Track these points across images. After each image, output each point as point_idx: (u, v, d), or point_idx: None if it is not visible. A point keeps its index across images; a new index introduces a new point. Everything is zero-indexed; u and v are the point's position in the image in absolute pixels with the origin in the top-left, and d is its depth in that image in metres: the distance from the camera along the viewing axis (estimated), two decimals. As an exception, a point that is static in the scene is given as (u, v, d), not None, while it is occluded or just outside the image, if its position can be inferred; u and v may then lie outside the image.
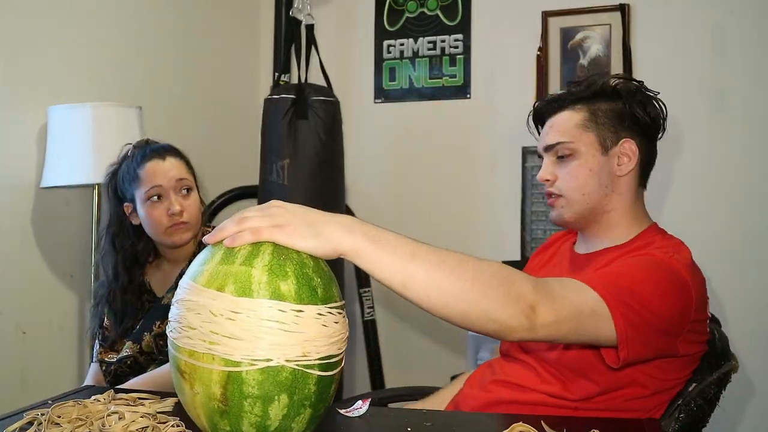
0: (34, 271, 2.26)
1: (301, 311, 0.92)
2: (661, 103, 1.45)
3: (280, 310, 0.91)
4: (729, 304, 2.61)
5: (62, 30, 2.33)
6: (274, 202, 1.00)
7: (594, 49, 2.84)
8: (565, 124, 1.44)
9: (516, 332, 1.06)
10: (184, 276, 0.99)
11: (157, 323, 1.78)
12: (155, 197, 1.78)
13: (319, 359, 0.93)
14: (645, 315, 1.18)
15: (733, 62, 2.67)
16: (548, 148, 1.46)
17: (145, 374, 1.74)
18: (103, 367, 1.81)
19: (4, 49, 2.14)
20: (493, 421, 1.14)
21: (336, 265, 1.14)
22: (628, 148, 1.42)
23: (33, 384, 2.22)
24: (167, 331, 0.99)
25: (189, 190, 1.81)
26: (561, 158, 1.44)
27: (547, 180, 1.46)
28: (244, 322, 0.90)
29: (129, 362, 1.78)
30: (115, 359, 1.80)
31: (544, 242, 1.71)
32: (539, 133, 1.52)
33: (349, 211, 3.09)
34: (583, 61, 2.85)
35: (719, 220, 2.69)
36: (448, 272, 1.02)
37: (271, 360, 0.90)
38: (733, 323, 2.20)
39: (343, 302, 1.01)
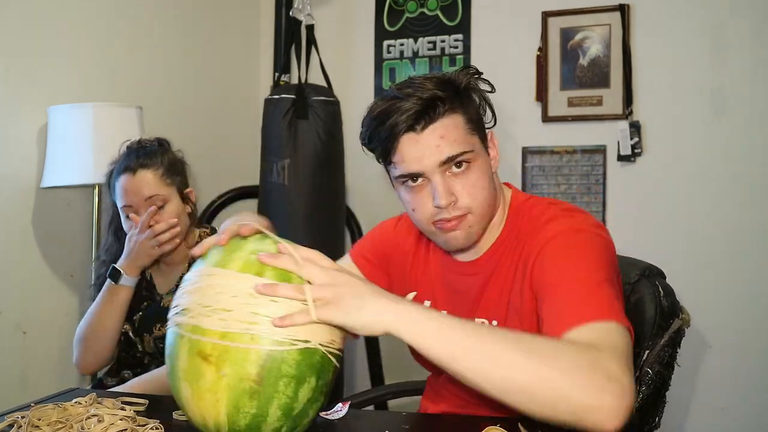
0: (34, 271, 2.26)
1: None
2: (487, 83, 1.28)
3: None
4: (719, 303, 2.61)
5: (62, 30, 2.33)
6: (316, 270, 0.97)
7: (594, 49, 2.83)
8: (457, 130, 1.21)
9: (611, 420, 0.91)
10: (199, 264, 1.02)
11: (158, 326, 1.81)
12: (130, 213, 1.80)
13: (338, 349, 1.00)
14: (619, 295, 1.14)
15: (733, 62, 2.66)
16: (448, 161, 1.19)
17: (145, 374, 1.74)
18: None
19: (4, 49, 2.15)
20: (469, 424, 1.14)
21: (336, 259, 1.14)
22: (493, 141, 1.30)
23: (33, 384, 2.22)
24: (176, 320, 0.99)
25: (162, 206, 1.79)
26: (457, 170, 1.21)
27: (451, 203, 1.21)
28: (289, 304, 0.95)
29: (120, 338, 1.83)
30: None
31: (378, 251, 1.45)
32: (390, 151, 1.22)
33: (348, 211, 3.09)
34: (583, 61, 2.85)
35: (720, 220, 2.69)
36: (506, 342, 0.95)
37: (310, 342, 0.95)
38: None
39: None
